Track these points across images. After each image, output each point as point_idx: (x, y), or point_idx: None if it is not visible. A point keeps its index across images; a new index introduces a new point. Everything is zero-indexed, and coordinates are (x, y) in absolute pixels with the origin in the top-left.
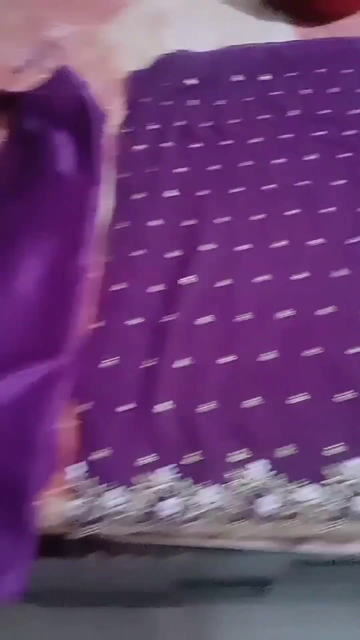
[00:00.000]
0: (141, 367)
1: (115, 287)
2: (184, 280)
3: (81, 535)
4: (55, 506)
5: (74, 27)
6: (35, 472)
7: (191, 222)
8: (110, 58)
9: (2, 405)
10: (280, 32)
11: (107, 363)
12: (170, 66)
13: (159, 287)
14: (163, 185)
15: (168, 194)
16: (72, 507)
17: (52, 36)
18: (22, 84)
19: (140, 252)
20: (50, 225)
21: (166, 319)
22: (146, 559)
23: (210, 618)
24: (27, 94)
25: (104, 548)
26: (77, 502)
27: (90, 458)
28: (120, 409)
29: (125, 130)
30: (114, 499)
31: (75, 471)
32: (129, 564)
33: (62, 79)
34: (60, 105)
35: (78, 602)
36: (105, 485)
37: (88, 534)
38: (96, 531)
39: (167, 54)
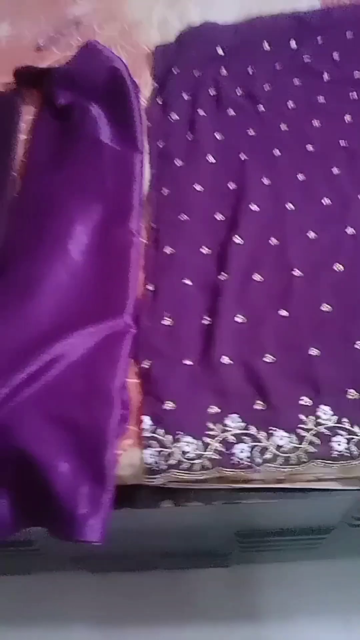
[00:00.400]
0: (199, 323)
1: (166, 250)
2: (233, 241)
3: (155, 483)
4: (130, 456)
5: (94, 3)
6: (112, 424)
7: (235, 185)
8: (133, 33)
9: (73, 362)
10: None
11: (165, 321)
12: (197, 37)
13: (209, 249)
14: (203, 151)
15: (209, 159)
16: (146, 456)
17: (73, 13)
18: (47, 62)
19: (187, 216)
20: (96, 192)
21: (220, 277)
22: (214, 506)
23: (255, 577)
24: (57, 69)
25: (174, 497)
26: (150, 451)
27: (157, 410)
28: (182, 363)
29: (159, 101)
30: (185, 447)
31: (145, 422)
32: (196, 514)
33: (91, 53)
34: (92, 78)
35: (123, 567)
36: (174, 434)
37: (161, 482)
38: (169, 479)
39: (193, 26)
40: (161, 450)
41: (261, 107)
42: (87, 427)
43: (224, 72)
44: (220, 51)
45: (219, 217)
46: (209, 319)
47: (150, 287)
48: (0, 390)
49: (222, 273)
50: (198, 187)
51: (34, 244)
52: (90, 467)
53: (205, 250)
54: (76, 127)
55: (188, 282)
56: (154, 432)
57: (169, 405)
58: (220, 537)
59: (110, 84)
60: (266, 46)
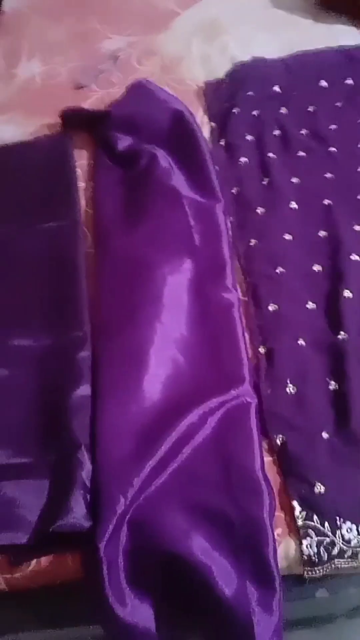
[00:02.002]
0: (326, 389)
1: (270, 308)
2: (343, 295)
3: (316, 575)
4: (284, 546)
5: (128, 38)
6: (267, 515)
7: (325, 233)
8: (174, 68)
9: (201, 442)
10: (345, 34)
11: (289, 389)
12: (250, 74)
13: (314, 304)
14: (284, 197)
15: (292, 205)
16: (304, 547)
17: (107, 47)
18: (89, 100)
19: (283, 268)
20: (186, 248)
21: (338, 337)
22: None
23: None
24: (114, 112)
25: (328, 583)
26: (308, 541)
27: (306, 493)
28: (320, 436)
29: (222, 143)
30: (347, 534)
31: (297, 509)
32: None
33: (144, 93)
34: (154, 122)
35: None
36: (333, 521)
37: (323, 573)
38: (330, 569)
39: (243, 62)
40: (321, 540)
41: (332, 149)
42: (239, 519)
43: (284, 111)
44: (277, 89)
45: (316, 268)
46: (334, 383)
47: (262, 350)
48: (133, 481)
49: (340, 332)
50: (287, 237)
51: (131, 309)
52: (252, 566)
53: (310, 305)
54: (146, 176)
55: (302, 342)
56: (309, 520)
57: (318, 487)
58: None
59: (176, 129)
60: (323, 83)
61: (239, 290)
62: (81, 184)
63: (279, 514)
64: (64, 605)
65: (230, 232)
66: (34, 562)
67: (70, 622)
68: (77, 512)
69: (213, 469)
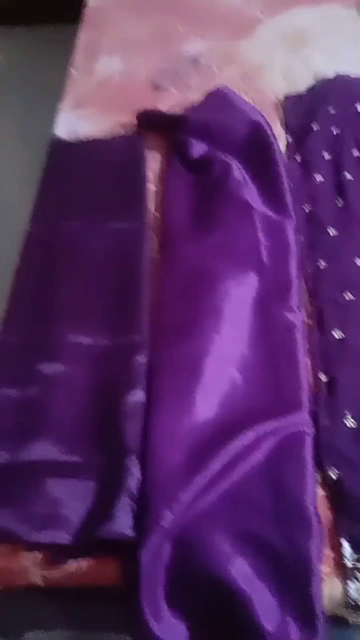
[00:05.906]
0: None
1: (335, 334)
2: None
3: (358, 621)
4: (329, 587)
5: (209, 42)
6: (314, 550)
7: None
8: (255, 77)
9: (253, 467)
10: None
11: (348, 422)
12: (332, 91)
13: None
14: (357, 220)
15: None
16: (351, 590)
17: (188, 50)
18: (166, 103)
19: (352, 295)
20: (252, 264)
21: None
22: None
23: None
24: (191, 118)
25: None
26: (356, 584)
27: (355, 534)
28: None
29: (297, 158)
30: None
31: (345, 549)
32: None
33: (222, 101)
34: (231, 131)
35: None
36: None
37: None
38: None
39: (326, 78)
40: None
41: None
42: (285, 551)
43: None
44: (359, 108)
45: None
46: None
47: (323, 378)
48: (180, 497)
49: None
50: (359, 262)
51: (190, 319)
52: (296, 602)
53: None
54: (218, 185)
55: None
56: (358, 561)
57: None
58: None
59: (252, 140)
60: None
61: (303, 312)
62: (151, 187)
63: (328, 553)
64: (95, 609)
65: (299, 252)
66: (75, 563)
67: (98, 626)
68: (123, 521)
69: (262, 496)
